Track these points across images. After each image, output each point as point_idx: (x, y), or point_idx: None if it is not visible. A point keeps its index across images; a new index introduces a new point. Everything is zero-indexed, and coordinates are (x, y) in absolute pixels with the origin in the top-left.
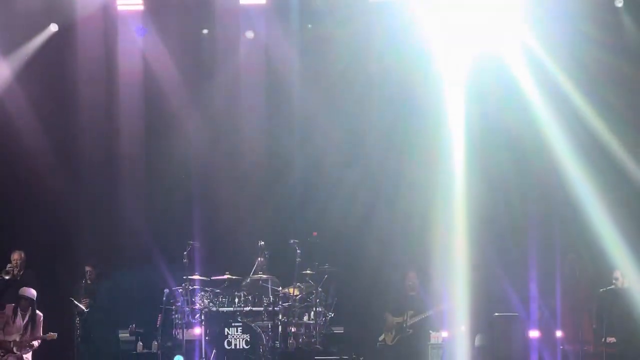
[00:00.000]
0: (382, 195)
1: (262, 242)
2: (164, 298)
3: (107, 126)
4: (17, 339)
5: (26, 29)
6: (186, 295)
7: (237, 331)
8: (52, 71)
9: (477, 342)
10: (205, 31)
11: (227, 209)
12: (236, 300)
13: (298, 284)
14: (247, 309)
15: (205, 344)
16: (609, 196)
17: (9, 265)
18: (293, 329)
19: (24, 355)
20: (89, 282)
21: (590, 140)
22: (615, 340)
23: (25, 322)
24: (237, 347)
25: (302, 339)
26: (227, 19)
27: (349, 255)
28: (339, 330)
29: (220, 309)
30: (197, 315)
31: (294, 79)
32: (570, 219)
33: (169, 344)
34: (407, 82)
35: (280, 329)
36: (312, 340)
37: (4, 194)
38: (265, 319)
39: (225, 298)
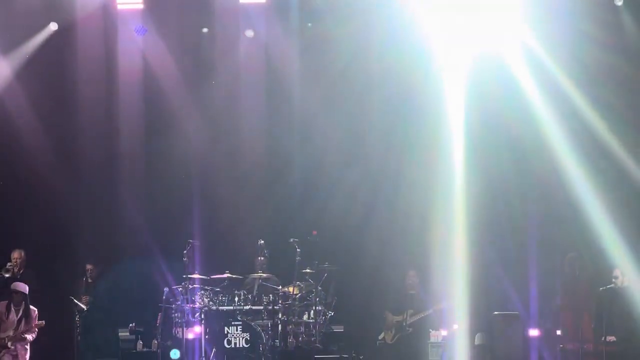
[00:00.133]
0: (382, 194)
1: (262, 241)
2: (164, 297)
3: (106, 125)
4: (11, 334)
5: (26, 28)
6: (186, 294)
7: (237, 330)
8: (51, 70)
9: (476, 341)
10: (205, 30)
11: (227, 208)
12: (236, 299)
13: (298, 282)
14: (247, 307)
15: (205, 343)
16: (609, 196)
17: (9, 264)
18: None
19: (20, 352)
20: (89, 280)
21: (590, 140)
22: (614, 339)
23: (19, 317)
24: (237, 345)
25: (302, 337)
26: (226, 17)
27: (349, 254)
28: (338, 329)
29: (220, 307)
30: (197, 314)
31: (294, 78)
32: (570, 218)
33: (169, 342)
34: (407, 82)
35: (280, 328)
36: (312, 339)
37: (4, 193)
38: (265, 317)
39: (225, 297)
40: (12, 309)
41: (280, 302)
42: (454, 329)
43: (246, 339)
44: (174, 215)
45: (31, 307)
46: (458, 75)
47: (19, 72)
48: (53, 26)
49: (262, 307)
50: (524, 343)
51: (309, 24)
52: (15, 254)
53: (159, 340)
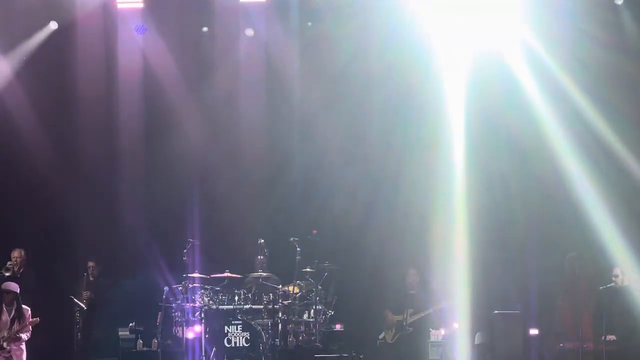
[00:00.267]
0: (382, 193)
1: (262, 240)
2: (164, 296)
3: (106, 124)
4: (6, 335)
5: (26, 27)
6: (186, 293)
7: (237, 329)
8: (51, 69)
9: (477, 340)
10: (205, 29)
11: (227, 207)
12: (236, 298)
13: (298, 281)
14: (247, 306)
15: (205, 342)
16: (609, 194)
17: (9, 263)
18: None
19: (16, 353)
20: (91, 278)
21: (590, 139)
22: (614, 338)
23: (11, 317)
24: (237, 345)
25: (302, 337)
26: (226, 16)
27: (349, 253)
28: (339, 328)
29: (220, 306)
30: (197, 313)
31: (294, 77)
32: (570, 217)
33: (169, 341)
34: (407, 80)
35: (280, 327)
36: (312, 338)
37: (4, 192)
38: (265, 316)
39: (225, 296)
40: (4, 309)
41: (280, 301)
42: (454, 328)
43: (246, 338)
44: (174, 214)
45: (23, 306)
46: (458, 75)
47: (19, 71)
48: (53, 25)
49: (262, 306)
50: (524, 342)
51: (309, 23)
52: (16, 253)
53: (159, 339)
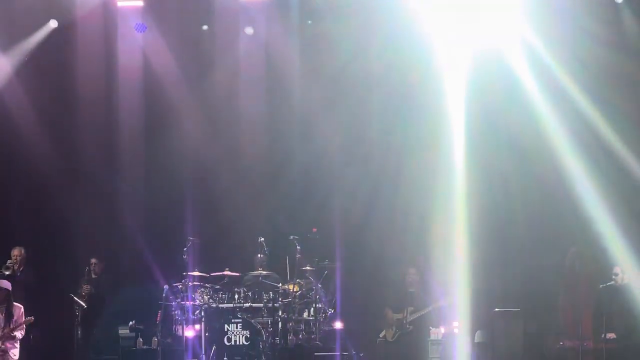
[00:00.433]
0: (382, 192)
1: (262, 239)
2: (164, 294)
3: (106, 122)
4: (0, 333)
5: (26, 25)
6: (186, 291)
7: (236, 327)
8: (51, 67)
9: (477, 339)
10: (205, 27)
11: (227, 206)
12: (236, 296)
13: (298, 280)
14: (247, 305)
15: (205, 341)
16: (610, 193)
17: (9, 261)
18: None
19: (11, 351)
20: (93, 275)
21: (591, 137)
22: (614, 337)
23: (4, 315)
24: (237, 343)
25: (302, 335)
26: (227, 15)
27: (349, 251)
28: (339, 326)
29: (220, 305)
30: (197, 311)
31: (294, 76)
32: (570, 215)
33: (169, 340)
34: (407, 79)
35: (280, 326)
36: (312, 336)
37: (4, 190)
38: (265, 315)
39: (225, 294)
40: None
41: (280, 299)
42: (454, 327)
43: (246, 337)
44: (174, 212)
45: (16, 304)
46: (458, 73)
47: (19, 69)
48: (53, 23)
49: (262, 305)
50: (524, 340)
51: (309, 22)
52: (16, 251)
53: (159, 337)
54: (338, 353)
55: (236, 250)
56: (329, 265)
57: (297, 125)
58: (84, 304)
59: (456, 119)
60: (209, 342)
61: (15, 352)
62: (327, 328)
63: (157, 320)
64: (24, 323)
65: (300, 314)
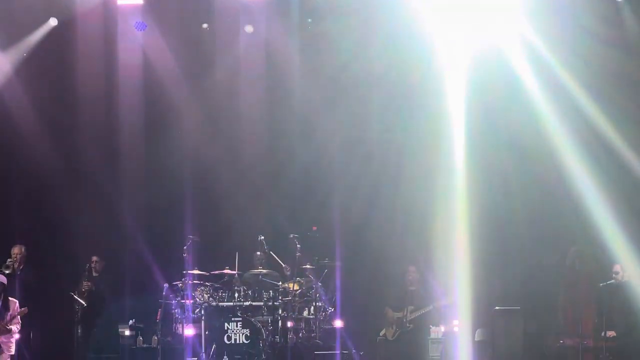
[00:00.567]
0: (382, 190)
1: (262, 237)
2: (164, 293)
3: (106, 120)
4: None
5: (26, 23)
6: (186, 289)
7: (237, 326)
8: (51, 66)
9: (477, 337)
10: (205, 25)
11: (227, 204)
12: (236, 295)
13: (298, 278)
14: (247, 303)
15: (205, 339)
16: (611, 191)
17: (9, 260)
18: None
19: (7, 345)
20: (94, 273)
21: (591, 135)
22: (615, 335)
23: None
24: (237, 341)
25: (302, 333)
26: (227, 13)
27: (350, 250)
28: (339, 325)
29: (220, 303)
30: (197, 310)
31: (294, 74)
32: (571, 214)
33: (169, 338)
34: (408, 77)
35: (280, 324)
36: (312, 335)
37: (4, 189)
38: (265, 313)
39: (225, 293)
40: None
41: (280, 298)
42: (455, 325)
43: (246, 335)
44: (174, 210)
45: (11, 298)
46: (459, 72)
47: (18, 67)
48: (53, 22)
49: (262, 303)
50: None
51: (309, 20)
52: (16, 250)
53: (159, 336)
54: (338, 351)
55: (237, 248)
56: (329, 263)
57: (298, 124)
58: (84, 303)
59: (456, 117)
60: (209, 341)
61: (11, 346)
62: (327, 326)
63: (157, 319)
64: (17, 314)
65: (300, 313)
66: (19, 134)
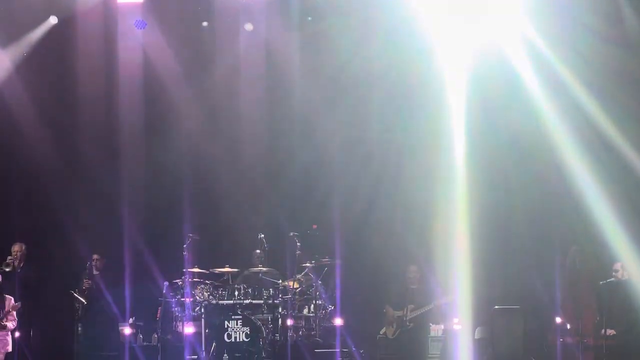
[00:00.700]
0: (383, 189)
1: (262, 235)
2: (164, 291)
3: (106, 118)
4: None
5: (26, 21)
6: (186, 288)
7: (237, 324)
8: (51, 64)
9: (477, 335)
10: (205, 24)
11: (227, 202)
12: (236, 293)
13: (298, 277)
14: (247, 301)
15: (205, 337)
16: (611, 189)
17: (9, 258)
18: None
19: (3, 342)
20: (94, 272)
21: (593, 133)
22: (615, 333)
23: None
24: (237, 339)
25: (302, 331)
26: (227, 11)
27: (350, 248)
28: (339, 323)
29: (220, 301)
30: (197, 308)
31: (294, 72)
32: (572, 212)
33: (169, 336)
34: (408, 75)
35: (280, 322)
36: (312, 333)
37: (4, 187)
38: (265, 311)
39: (225, 291)
40: None
41: (280, 296)
42: (455, 324)
43: (246, 333)
44: (174, 209)
45: (7, 295)
46: (459, 71)
47: (18, 65)
48: (53, 20)
49: (262, 301)
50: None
51: (309, 18)
52: (16, 247)
53: (159, 334)
54: (338, 350)
55: (237, 247)
56: (329, 262)
57: (297, 123)
58: (84, 301)
59: (457, 116)
60: (209, 339)
61: (7, 343)
62: (327, 325)
63: (157, 317)
64: (11, 310)
65: (300, 311)
66: (19, 131)
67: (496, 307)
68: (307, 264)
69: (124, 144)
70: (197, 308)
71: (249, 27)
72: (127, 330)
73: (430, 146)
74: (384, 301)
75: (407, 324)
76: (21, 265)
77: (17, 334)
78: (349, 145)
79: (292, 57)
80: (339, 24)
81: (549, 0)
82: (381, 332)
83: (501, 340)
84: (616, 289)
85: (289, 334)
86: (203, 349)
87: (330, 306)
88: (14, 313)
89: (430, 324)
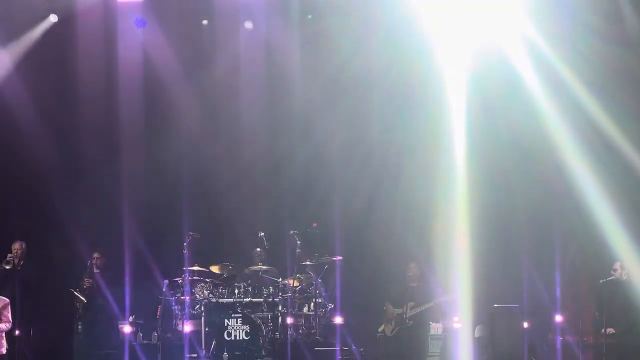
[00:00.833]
0: (383, 187)
1: (262, 233)
2: (164, 289)
3: (106, 117)
4: None
5: (26, 20)
6: (186, 286)
7: (237, 322)
8: (51, 62)
9: (476, 333)
10: (205, 22)
11: (227, 200)
12: (236, 291)
13: (298, 275)
14: (247, 300)
15: (205, 335)
16: (612, 189)
17: (9, 256)
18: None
19: None
20: (95, 270)
21: (593, 132)
22: (614, 332)
23: None
24: (237, 338)
25: (302, 330)
26: (226, 10)
27: (350, 246)
28: (338, 321)
29: (220, 300)
30: (197, 306)
31: (294, 71)
32: (572, 211)
33: (169, 335)
34: (408, 74)
35: (280, 320)
36: (312, 331)
37: (4, 184)
38: (265, 310)
39: (225, 289)
40: None
41: (280, 294)
42: (455, 322)
43: (246, 331)
44: (174, 207)
45: (1, 297)
46: (459, 70)
47: (18, 64)
48: (53, 18)
49: (262, 300)
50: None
51: (309, 17)
52: (16, 245)
53: (159, 332)
54: (338, 348)
55: (237, 245)
56: (329, 260)
57: (298, 120)
58: (84, 299)
59: (457, 116)
60: (209, 337)
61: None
62: (327, 323)
63: (157, 315)
64: (1, 309)
65: (300, 309)
66: (19, 130)
67: (496, 305)
68: (307, 262)
69: (124, 143)
70: (197, 306)
71: (249, 25)
72: (127, 329)
73: (430, 146)
74: (384, 299)
75: (407, 321)
76: (21, 263)
77: (16, 332)
78: (349, 144)
79: (292, 56)
80: (339, 22)
81: None
82: (380, 330)
83: (501, 338)
84: (616, 289)
85: (289, 332)
86: (203, 347)
87: (330, 304)
88: (8, 314)
89: (430, 322)
